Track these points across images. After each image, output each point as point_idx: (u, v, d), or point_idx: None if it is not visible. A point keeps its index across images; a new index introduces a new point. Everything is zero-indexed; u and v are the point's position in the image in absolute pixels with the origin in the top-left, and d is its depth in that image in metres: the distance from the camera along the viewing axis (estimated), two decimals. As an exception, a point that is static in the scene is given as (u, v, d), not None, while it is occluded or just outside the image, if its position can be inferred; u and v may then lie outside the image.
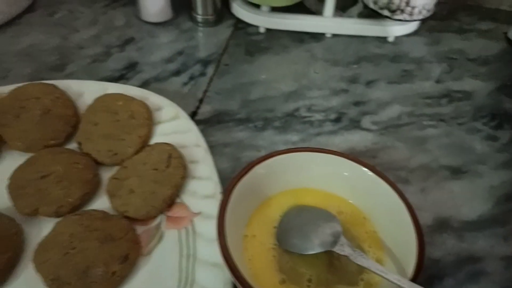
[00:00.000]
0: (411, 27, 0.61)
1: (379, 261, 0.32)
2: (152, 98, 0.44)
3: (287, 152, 0.34)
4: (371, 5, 0.57)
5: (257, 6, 0.59)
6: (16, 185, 0.36)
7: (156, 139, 0.42)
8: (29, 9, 0.61)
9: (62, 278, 0.31)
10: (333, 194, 0.36)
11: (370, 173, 0.33)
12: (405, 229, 0.30)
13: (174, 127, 0.42)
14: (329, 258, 0.32)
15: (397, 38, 0.60)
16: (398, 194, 0.31)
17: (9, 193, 0.36)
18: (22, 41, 0.56)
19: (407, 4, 0.54)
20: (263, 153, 0.44)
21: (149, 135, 0.41)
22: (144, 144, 0.41)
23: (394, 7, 0.55)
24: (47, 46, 0.55)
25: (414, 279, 0.27)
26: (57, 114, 0.41)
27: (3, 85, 0.45)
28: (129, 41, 0.57)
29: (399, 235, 0.31)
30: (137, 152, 0.40)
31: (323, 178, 0.35)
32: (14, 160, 0.39)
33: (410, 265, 0.28)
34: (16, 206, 0.36)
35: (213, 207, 0.35)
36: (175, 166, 0.37)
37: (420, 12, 0.56)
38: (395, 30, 0.59)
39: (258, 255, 0.32)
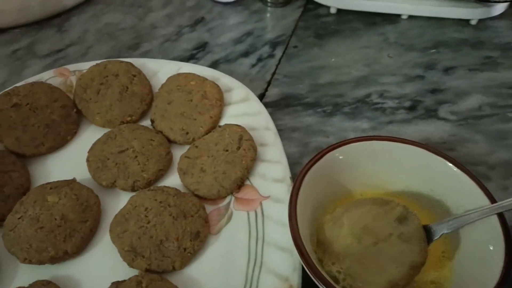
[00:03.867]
0: (498, 9, 0.56)
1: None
2: (222, 79, 0.45)
3: (365, 140, 0.33)
4: (454, -14, 0.53)
5: (329, -14, 0.57)
6: (95, 158, 0.38)
7: (226, 120, 0.42)
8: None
9: (137, 250, 0.32)
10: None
11: (455, 168, 0.31)
12: (491, 229, 0.28)
13: (244, 109, 0.42)
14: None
15: (480, 21, 0.56)
16: (483, 191, 0.29)
17: (88, 166, 0.38)
18: (101, 20, 0.58)
19: (495, -16, 0.50)
20: (331, 139, 0.43)
21: (220, 116, 0.42)
22: (214, 124, 0.41)
23: (480, -13, 0.50)
24: (124, 25, 0.57)
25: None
26: (134, 91, 0.42)
27: (83, 61, 0.47)
28: (200, 21, 0.58)
29: (482, 235, 0.29)
30: (207, 132, 0.40)
31: (400, 171, 0.33)
32: (93, 134, 0.41)
33: (496, 266, 0.26)
34: (95, 178, 0.37)
35: (282, 191, 0.35)
36: (246, 148, 0.37)
37: (509, -6, 0.51)
38: (479, 12, 0.55)
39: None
